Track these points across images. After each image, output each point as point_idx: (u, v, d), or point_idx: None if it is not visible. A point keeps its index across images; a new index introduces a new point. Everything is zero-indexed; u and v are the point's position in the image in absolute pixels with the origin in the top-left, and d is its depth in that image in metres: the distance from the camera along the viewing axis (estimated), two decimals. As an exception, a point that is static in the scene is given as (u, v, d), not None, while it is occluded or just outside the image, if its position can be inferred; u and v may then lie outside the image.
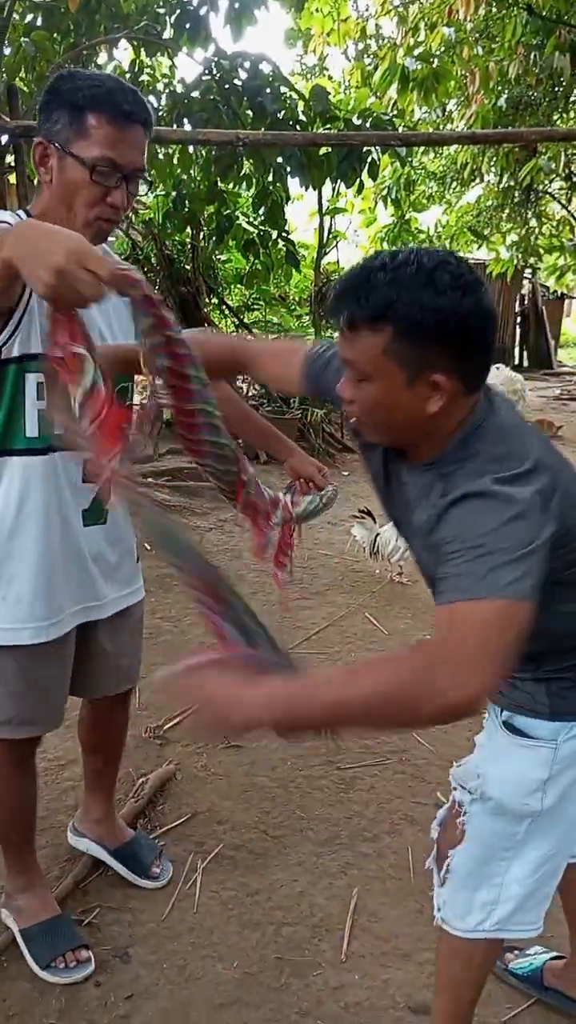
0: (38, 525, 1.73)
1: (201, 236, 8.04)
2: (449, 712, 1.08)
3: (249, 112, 5.74)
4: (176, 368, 1.48)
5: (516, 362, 17.91)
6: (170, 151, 6.16)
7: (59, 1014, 1.87)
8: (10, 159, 5.42)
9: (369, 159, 5.76)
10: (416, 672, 1.09)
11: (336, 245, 9.61)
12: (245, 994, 1.95)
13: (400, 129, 6.23)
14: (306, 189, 6.06)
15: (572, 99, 9.48)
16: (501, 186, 11.30)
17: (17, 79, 5.92)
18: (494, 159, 10.05)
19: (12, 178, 5.68)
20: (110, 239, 1.81)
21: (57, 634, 1.80)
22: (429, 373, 1.19)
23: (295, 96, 5.85)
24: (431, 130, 9.60)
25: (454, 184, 12.38)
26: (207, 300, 8.52)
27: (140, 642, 2.12)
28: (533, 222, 12.12)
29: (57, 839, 2.42)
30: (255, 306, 9.40)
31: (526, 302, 18.13)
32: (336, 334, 1.27)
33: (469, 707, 1.07)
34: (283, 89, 5.81)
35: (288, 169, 5.82)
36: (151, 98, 5.85)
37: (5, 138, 5.08)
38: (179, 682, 1.20)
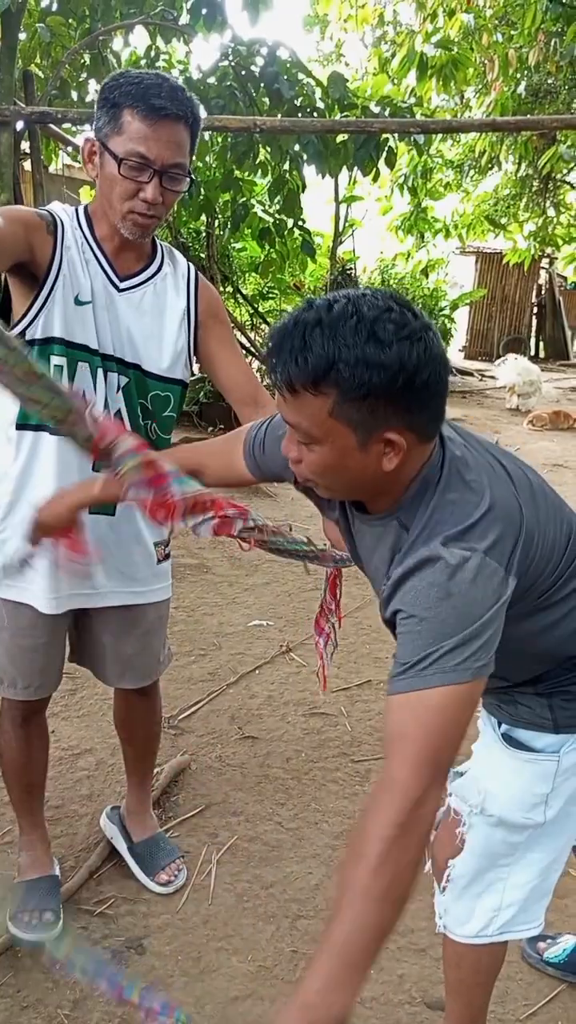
0: (44, 500, 1.73)
1: (216, 224, 8.00)
2: (423, 820, 1.07)
3: (266, 99, 5.70)
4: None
5: (532, 352, 17.84)
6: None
7: (73, 1004, 1.86)
8: (25, 145, 5.40)
9: (387, 147, 5.70)
10: (377, 842, 1.04)
11: (352, 233, 9.57)
12: (260, 987, 1.94)
13: (418, 116, 6.16)
14: (323, 177, 6.01)
15: (592, 86, 9.38)
16: (519, 175, 11.23)
17: (32, 65, 5.90)
18: (512, 147, 9.96)
19: (27, 164, 5.65)
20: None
21: (54, 610, 1.83)
22: (382, 431, 1.10)
23: (313, 83, 5.79)
24: (449, 117, 9.51)
25: (471, 172, 12.29)
26: (222, 288, 8.48)
27: (157, 643, 2.09)
28: (551, 211, 12.04)
29: (72, 828, 2.41)
30: (270, 295, 9.35)
31: (543, 292, 18.04)
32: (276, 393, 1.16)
33: (426, 798, 1.06)
34: (300, 76, 5.75)
35: (305, 157, 5.77)
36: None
37: (21, 124, 5.05)
38: None
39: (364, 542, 1.32)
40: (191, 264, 1.92)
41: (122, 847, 2.29)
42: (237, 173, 6.38)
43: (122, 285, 1.76)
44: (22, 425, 1.75)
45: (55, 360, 1.70)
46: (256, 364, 8.67)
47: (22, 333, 1.68)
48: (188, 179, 1.70)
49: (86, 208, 1.77)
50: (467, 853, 1.50)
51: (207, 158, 6.59)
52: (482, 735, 1.55)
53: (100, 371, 1.75)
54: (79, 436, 1.36)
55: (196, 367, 2.01)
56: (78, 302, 1.70)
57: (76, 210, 1.77)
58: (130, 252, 1.77)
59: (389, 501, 1.22)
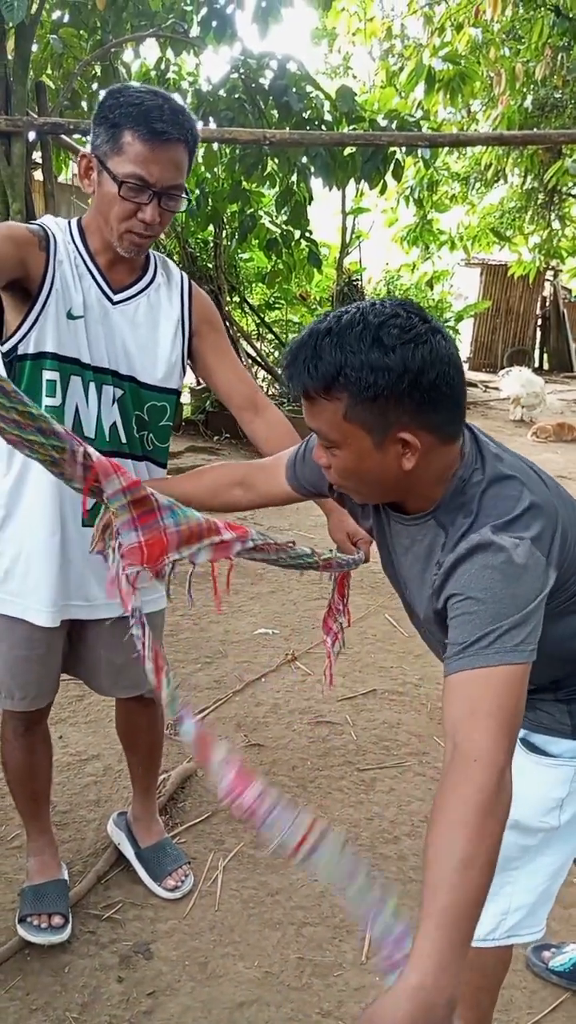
0: (37, 514, 1.76)
1: (224, 234, 8.05)
2: (509, 787, 1.06)
3: (275, 112, 5.75)
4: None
5: (536, 364, 17.88)
6: (195, 149, 6.17)
7: (81, 1008, 1.88)
8: (37, 156, 5.44)
9: (394, 160, 5.75)
10: (474, 808, 1.03)
11: (359, 245, 9.62)
12: (266, 993, 1.95)
13: (425, 130, 6.20)
14: (330, 189, 6.05)
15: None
16: (525, 187, 11.28)
17: (44, 76, 5.95)
18: (518, 160, 10.02)
19: (38, 174, 5.70)
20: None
21: (50, 623, 1.84)
22: (395, 432, 1.16)
23: (321, 96, 5.85)
24: (456, 130, 9.57)
25: (477, 185, 12.34)
26: (229, 299, 8.53)
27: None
28: (556, 224, 12.09)
29: (80, 833, 2.43)
30: (276, 305, 9.40)
31: (547, 304, 18.09)
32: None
33: (507, 767, 1.07)
34: (309, 89, 5.80)
35: (312, 169, 5.82)
36: (175, 96, 5.88)
37: (33, 134, 5.10)
38: None
39: (400, 542, 1.36)
40: (183, 273, 1.94)
41: (129, 852, 2.31)
42: (245, 184, 6.43)
43: (116, 298, 1.77)
44: None
45: (47, 375, 1.70)
46: (262, 374, 8.71)
47: (14, 347, 1.69)
48: (185, 199, 1.71)
49: (79, 220, 1.78)
50: None
51: (216, 169, 6.65)
52: None
53: (92, 385, 1.75)
54: (71, 479, 1.36)
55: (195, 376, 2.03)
56: (70, 316, 1.70)
57: (69, 223, 1.77)
58: (123, 265, 1.78)
59: (424, 500, 1.27)
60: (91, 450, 1.30)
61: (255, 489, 1.66)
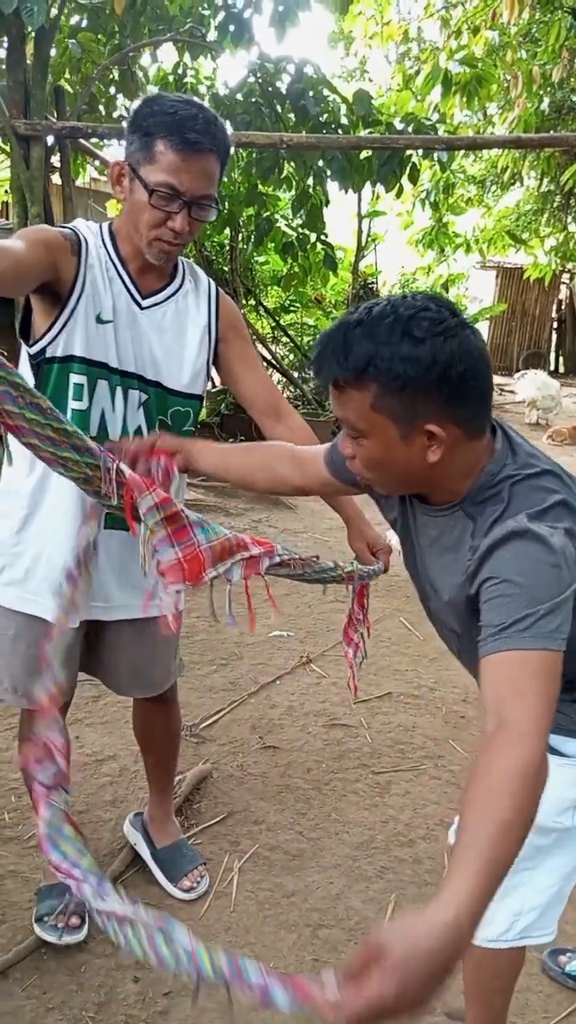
0: (59, 516, 1.77)
1: (240, 238, 8.07)
2: (547, 764, 1.05)
3: (291, 115, 5.76)
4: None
5: (552, 367, 17.80)
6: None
7: (97, 1007, 1.88)
8: (55, 159, 5.47)
9: (410, 163, 5.75)
10: (519, 779, 1.02)
11: (374, 248, 9.62)
12: (281, 994, 1.95)
13: (442, 133, 6.20)
14: (346, 192, 6.07)
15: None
16: (541, 190, 11.25)
17: (63, 80, 5.98)
18: (535, 163, 9.99)
19: (56, 178, 5.73)
20: None
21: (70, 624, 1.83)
22: (422, 423, 1.17)
23: (338, 99, 5.85)
24: (472, 133, 9.56)
25: (493, 188, 12.32)
26: (244, 302, 8.55)
27: (167, 654, 2.11)
28: (572, 227, 12.04)
29: (96, 834, 2.44)
30: (292, 308, 9.41)
31: (563, 307, 18.02)
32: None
33: (545, 744, 1.06)
34: (326, 92, 5.81)
35: (328, 172, 5.83)
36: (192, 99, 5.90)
37: (51, 138, 5.13)
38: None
39: (426, 533, 1.37)
40: (211, 280, 1.95)
41: (145, 853, 2.32)
42: (261, 188, 6.45)
43: (145, 303, 1.78)
44: None
45: (75, 379, 1.71)
46: (277, 376, 8.72)
47: (43, 350, 1.71)
48: (215, 209, 1.72)
49: (111, 226, 1.79)
50: None
51: (233, 173, 6.66)
52: None
53: (120, 389, 1.76)
54: (106, 496, 1.35)
55: (217, 380, 2.04)
56: (100, 320, 1.72)
57: (101, 227, 1.78)
58: (153, 271, 1.79)
59: (450, 493, 1.28)
60: (124, 466, 1.31)
61: (303, 468, 1.66)
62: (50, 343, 1.70)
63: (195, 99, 1.69)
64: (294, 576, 1.68)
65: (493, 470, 1.26)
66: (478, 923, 0.91)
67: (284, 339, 9.38)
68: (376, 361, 1.14)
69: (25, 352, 1.76)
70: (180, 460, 1.63)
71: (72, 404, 1.72)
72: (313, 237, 6.71)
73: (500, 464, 1.26)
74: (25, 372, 1.76)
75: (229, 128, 5.76)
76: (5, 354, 1.25)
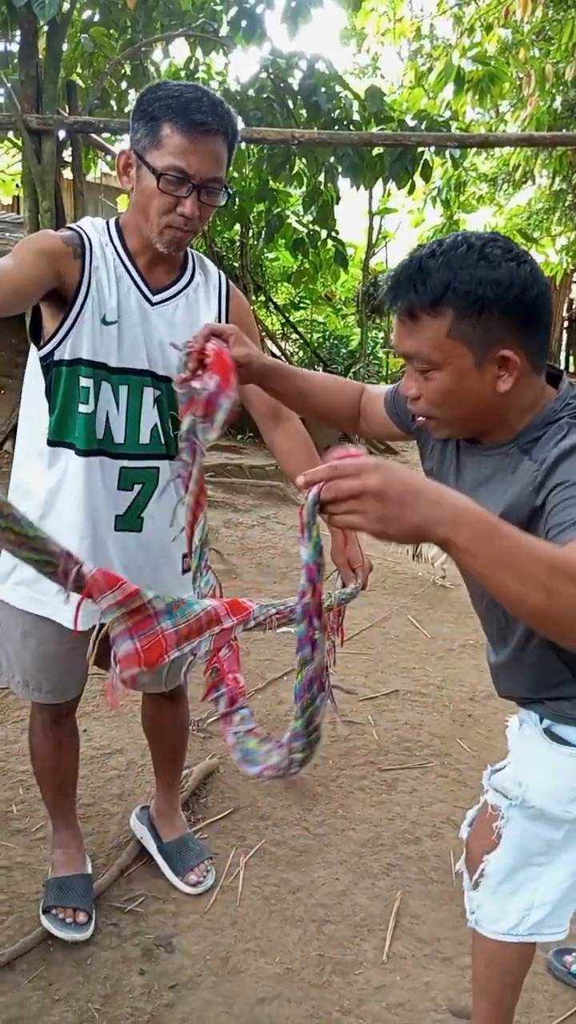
0: (69, 518, 1.77)
1: (251, 234, 8.07)
2: None
3: (303, 112, 5.76)
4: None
5: (563, 367, 17.73)
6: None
7: (104, 999, 1.89)
8: (66, 154, 5.48)
9: (422, 160, 5.74)
10: None
11: (385, 245, 9.60)
12: (287, 989, 1.96)
13: (454, 130, 6.18)
14: (357, 189, 6.06)
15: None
16: (553, 189, 11.21)
17: (75, 75, 5.99)
18: (547, 162, 9.96)
19: (68, 172, 5.74)
20: None
21: (80, 626, 1.81)
22: (497, 349, 1.20)
23: (350, 96, 5.85)
24: (484, 131, 9.53)
25: (505, 186, 12.28)
26: (254, 298, 8.55)
27: None
28: (584, 226, 11.98)
29: (103, 826, 2.45)
30: (302, 304, 9.41)
31: (574, 306, 17.94)
32: (393, 327, 1.28)
33: None
34: (338, 88, 5.80)
35: (340, 169, 5.82)
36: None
37: (63, 133, 5.13)
38: (338, 466, 0.93)
39: (479, 473, 1.37)
40: (222, 273, 1.93)
41: (152, 846, 2.32)
42: (272, 184, 6.44)
43: (155, 299, 1.76)
44: (54, 441, 1.76)
45: (83, 381, 1.71)
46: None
47: (51, 353, 1.70)
48: (225, 192, 1.69)
49: (118, 220, 1.77)
50: (503, 848, 1.52)
51: (243, 169, 6.66)
52: (520, 731, 1.56)
53: (124, 389, 1.75)
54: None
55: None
56: (104, 322, 1.70)
57: (108, 223, 1.76)
58: (162, 265, 1.77)
59: (509, 430, 1.30)
60: (86, 569, 1.28)
61: (372, 403, 1.67)
62: (58, 346, 1.69)
63: (200, 84, 1.68)
64: (274, 627, 1.66)
65: (556, 407, 1.28)
66: (458, 530, 0.90)
67: (294, 335, 9.38)
68: (455, 284, 1.18)
69: (35, 354, 1.75)
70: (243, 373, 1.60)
71: (80, 408, 1.72)
72: (324, 234, 6.70)
73: (563, 402, 1.29)
74: (35, 374, 1.76)
75: (240, 123, 5.77)
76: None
